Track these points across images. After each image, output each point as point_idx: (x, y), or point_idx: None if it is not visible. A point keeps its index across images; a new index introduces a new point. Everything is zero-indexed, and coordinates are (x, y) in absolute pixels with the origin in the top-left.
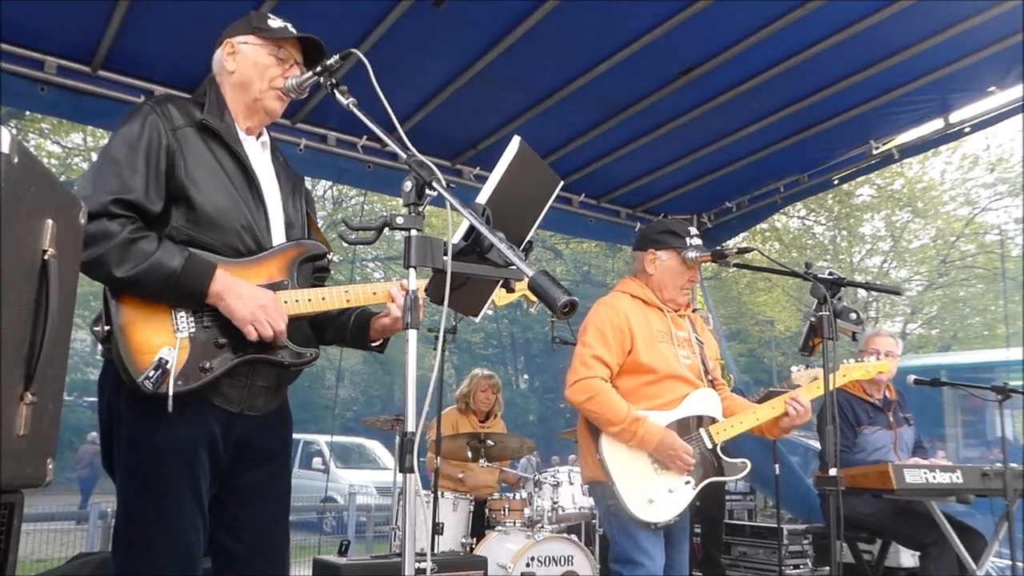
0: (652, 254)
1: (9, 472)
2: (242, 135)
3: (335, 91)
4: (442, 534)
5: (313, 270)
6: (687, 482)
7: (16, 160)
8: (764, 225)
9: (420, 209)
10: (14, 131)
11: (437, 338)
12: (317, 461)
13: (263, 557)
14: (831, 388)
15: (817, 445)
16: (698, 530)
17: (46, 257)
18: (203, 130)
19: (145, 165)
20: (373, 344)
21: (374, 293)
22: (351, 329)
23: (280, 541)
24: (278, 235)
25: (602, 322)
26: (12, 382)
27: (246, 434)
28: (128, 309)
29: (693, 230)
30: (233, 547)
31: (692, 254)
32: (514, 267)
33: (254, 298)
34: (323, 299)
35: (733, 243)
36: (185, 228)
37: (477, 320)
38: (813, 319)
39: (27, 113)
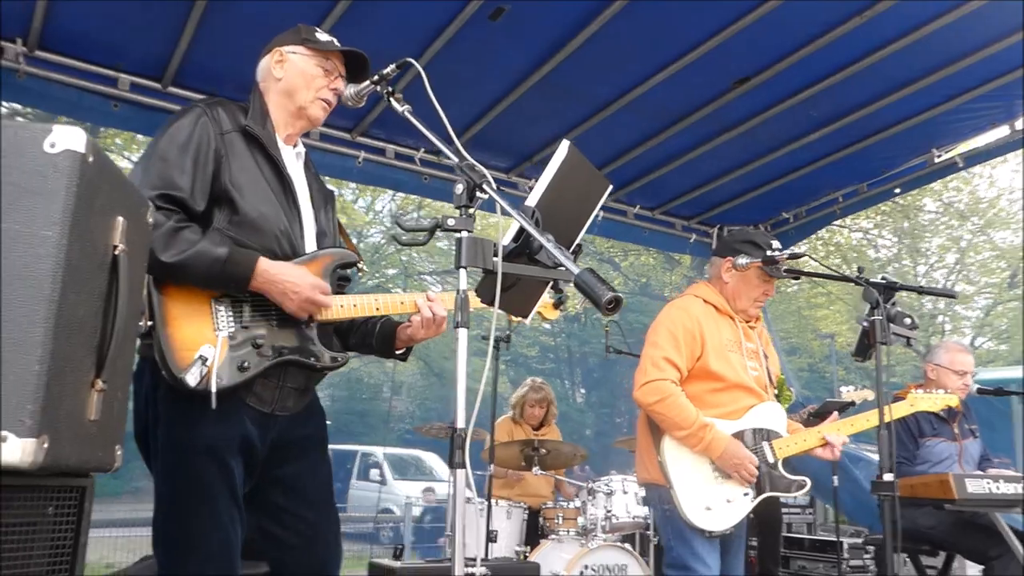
0: (730, 262)
1: (81, 455)
2: (280, 144)
3: (391, 99)
4: (496, 542)
5: (337, 278)
6: (745, 494)
7: (91, 159)
8: (823, 238)
9: (471, 211)
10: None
11: (490, 345)
12: (375, 473)
13: (316, 544)
14: (887, 416)
15: (877, 458)
16: (754, 543)
17: (116, 252)
18: (247, 136)
19: (193, 165)
20: (397, 352)
21: (402, 303)
22: (377, 336)
23: (330, 526)
24: (310, 243)
25: (674, 325)
26: (84, 369)
27: (280, 434)
28: (171, 304)
29: (776, 243)
30: (284, 536)
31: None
32: (563, 268)
33: (301, 278)
34: (355, 306)
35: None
36: (227, 230)
37: (527, 322)
38: (866, 324)
39: (101, 130)
